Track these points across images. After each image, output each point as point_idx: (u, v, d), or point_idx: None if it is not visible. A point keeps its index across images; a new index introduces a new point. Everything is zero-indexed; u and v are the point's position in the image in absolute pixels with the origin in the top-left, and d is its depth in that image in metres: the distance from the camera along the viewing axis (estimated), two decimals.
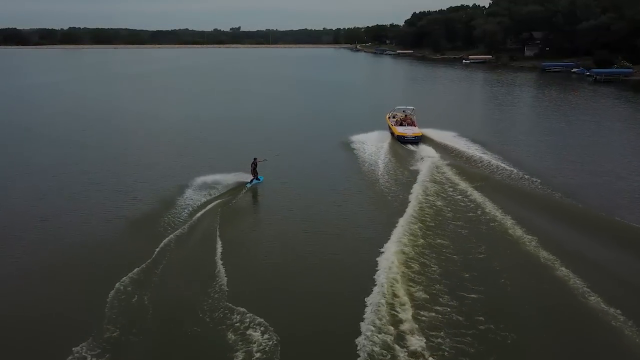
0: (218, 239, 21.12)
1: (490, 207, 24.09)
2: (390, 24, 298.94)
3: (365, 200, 26.32)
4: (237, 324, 15.20)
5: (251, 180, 28.35)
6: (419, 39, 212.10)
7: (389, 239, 20.46)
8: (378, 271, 17.87)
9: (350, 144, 37.91)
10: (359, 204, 25.72)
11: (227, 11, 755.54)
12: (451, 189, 27.05)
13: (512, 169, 30.52)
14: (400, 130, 39.22)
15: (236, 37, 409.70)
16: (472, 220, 22.83)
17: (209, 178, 28.00)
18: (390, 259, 18.55)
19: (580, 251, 19.62)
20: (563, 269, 18.10)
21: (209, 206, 24.75)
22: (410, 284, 17.16)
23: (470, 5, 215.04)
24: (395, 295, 16.33)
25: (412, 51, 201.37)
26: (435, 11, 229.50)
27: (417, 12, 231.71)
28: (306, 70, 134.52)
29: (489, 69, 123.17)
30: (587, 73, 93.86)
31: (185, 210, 24.00)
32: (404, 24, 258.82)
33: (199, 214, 23.62)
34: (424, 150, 35.68)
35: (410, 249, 19.58)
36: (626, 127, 47.13)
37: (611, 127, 46.86)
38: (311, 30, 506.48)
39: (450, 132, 39.83)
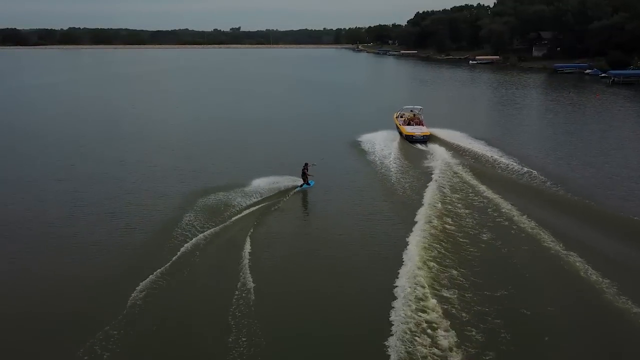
0: (248, 239, 20.89)
1: (504, 204, 24.10)
2: (392, 24, 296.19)
3: (382, 200, 26.16)
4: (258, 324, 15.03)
5: (302, 185, 28.00)
6: (423, 39, 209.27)
7: (409, 240, 20.25)
8: (401, 271, 17.76)
9: (360, 143, 38.11)
10: (378, 204, 25.49)
11: (227, 11, 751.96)
12: (465, 188, 27.01)
13: (531, 170, 30.02)
14: (408, 129, 39.34)
15: (236, 37, 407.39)
16: (487, 217, 22.90)
17: (256, 181, 27.63)
18: (414, 259, 18.48)
19: (594, 247, 19.78)
20: (577, 260, 18.47)
21: (250, 209, 24.27)
22: (437, 283, 17.07)
23: (475, 5, 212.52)
24: (421, 299, 16.02)
25: (415, 51, 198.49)
26: (439, 11, 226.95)
27: (421, 12, 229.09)
28: (308, 70, 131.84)
29: (497, 70, 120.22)
30: (602, 74, 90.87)
31: (225, 214, 23.57)
32: (406, 24, 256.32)
33: (235, 217, 23.14)
34: (434, 149, 35.69)
35: (433, 249, 19.54)
36: None
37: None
38: (311, 30, 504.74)
39: (459, 132, 39.75)
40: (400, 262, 18.28)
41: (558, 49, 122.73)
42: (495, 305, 15.74)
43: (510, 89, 79.25)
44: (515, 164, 31.30)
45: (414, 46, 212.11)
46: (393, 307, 15.41)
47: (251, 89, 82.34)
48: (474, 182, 27.69)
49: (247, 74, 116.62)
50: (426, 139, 37.80)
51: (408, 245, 19.68)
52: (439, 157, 33.03)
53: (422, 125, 40.38)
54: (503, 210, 23.41)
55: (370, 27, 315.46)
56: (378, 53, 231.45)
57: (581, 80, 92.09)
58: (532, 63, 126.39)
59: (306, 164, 28.08)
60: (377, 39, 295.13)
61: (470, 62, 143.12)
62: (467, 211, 23.49)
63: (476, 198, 25.30)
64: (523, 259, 18.98)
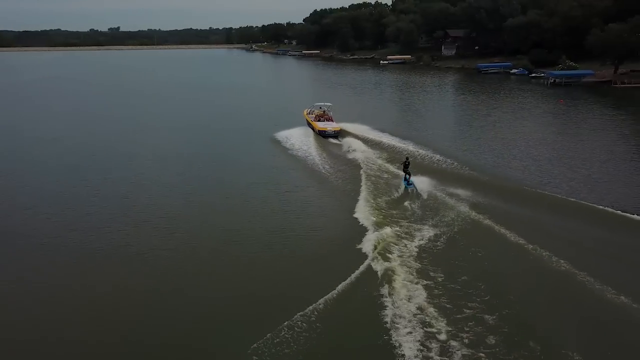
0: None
1: (418, 182, 26.91)
2: (287, 23, 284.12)
3: (321, 192, 27.45)
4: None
5: (409, 181, 27.46)
6: (324, 38, 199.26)
7: (360, 221, 22.35)
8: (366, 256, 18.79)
9: (280, 141, 39.24)
10: (318, 196, 26.79)
11: (105, 10, 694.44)
12: (384, 173, 30.04)
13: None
14: (320, 125, 41.43)
15: (116, 37, 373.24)
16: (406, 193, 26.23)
17: None
18: (372, 239, 20.16)
19: (491, 209, 23.41)
20: (496, 226, 21.55)
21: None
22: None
23: (373, 3, 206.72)
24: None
25: (318, 51, 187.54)
26: (337, 9, 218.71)
27: (318, 9, 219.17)
28: (203, 73, 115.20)
29: (412, 71, 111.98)
30: (533, 75, 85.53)
31: None
32: (303, 22, 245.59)
33: None
34: (348, 142, 37.48)
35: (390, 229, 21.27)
36: None
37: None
38: (198, 29, 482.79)
39: (366, 126, 41.91)
40: (359, 245, 19.75)
41: (476, 47, 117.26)
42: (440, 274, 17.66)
43: (440, 92, 69.67)
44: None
45: (314, 45, 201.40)
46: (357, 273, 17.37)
47: (147, 103, 65.38)
48: (392, 168, 30.70)
49: (137, 81, 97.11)
50: (337, 134, 40.03)
51: (360, 222, 22.08)
52: (354, 148, 35.41)
53: (332, 121, 42.82)
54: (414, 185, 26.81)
55: (264, 25, 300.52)
56: (277, 53, 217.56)
57: (510, 80, 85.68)
58: (448, 62, 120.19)
59: (407, 158, 28.82)
60: (273, 38, 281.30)
61: (381, 62, 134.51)
62: (395, 192, 26.26)
63: (387, 177, 29.04)
64: (450, 224, 21.92)
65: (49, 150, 37.62)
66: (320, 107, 45.37)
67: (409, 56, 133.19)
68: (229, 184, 28.98)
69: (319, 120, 42.61)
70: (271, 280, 17.68)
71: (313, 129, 41.68)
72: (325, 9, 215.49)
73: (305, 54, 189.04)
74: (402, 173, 27.92)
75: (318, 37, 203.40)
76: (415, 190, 26.36)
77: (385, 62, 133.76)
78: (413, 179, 27.00)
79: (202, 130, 45.33)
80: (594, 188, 27.21)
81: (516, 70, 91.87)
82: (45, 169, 32.66)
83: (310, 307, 15.35)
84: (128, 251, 20.18)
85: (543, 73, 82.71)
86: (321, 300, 15.67)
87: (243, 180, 29.34)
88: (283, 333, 14.31)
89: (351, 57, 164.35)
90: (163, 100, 67.82)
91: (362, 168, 30.38)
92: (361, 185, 26.96)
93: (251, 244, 20.62)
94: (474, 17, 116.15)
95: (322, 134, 40.18)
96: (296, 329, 14.52)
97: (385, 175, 29.37)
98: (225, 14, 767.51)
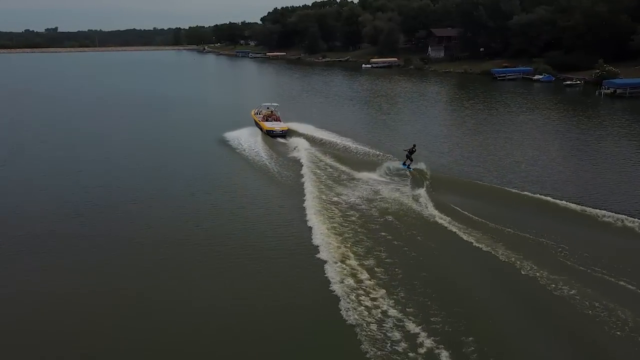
0: None
1: (361, 176, 29.15)
2: (242, 22, 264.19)
3: (268, 189, 28.51)
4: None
5: (408, 165, 30.31)
6: (287, 38, 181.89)
7: (308, 217, 23.11)
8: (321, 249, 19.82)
9: (227, 141, 39.48)
10: (266, 194, 27.73)
11: (41, 10, 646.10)
12: (327, 167, 31.41)
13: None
14: (268, 125, 41.62)
15: (54, 39, 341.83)
16: (352, 187, 27.60)
17: None
18: (321, 233, 21.34)
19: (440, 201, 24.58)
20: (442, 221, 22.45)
21: None
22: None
23: (338, 1, 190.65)
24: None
25: (284, 53, 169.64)
26: (300, 7, 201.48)
27: (279, 8, 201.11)
28: (155, 81, 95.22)
29: (405, 76, 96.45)
30: (566, 81, 72.01)
31: None
32: (261, 22, 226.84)
33: None
34: (295, 141, 38.09)
35: (331, 221, 22.73)
36: None
37: None
38: (141, 30, 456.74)
39: (312, 126, 42.62)
40: (309, 239, 20.83)
41: (482, 49, 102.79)
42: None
43: (483, 113, 54.22)
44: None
45: (277, 47, 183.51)
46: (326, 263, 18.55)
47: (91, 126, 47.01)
48: (336, 164, 31.90)
49: (79, 92, 76.36)
50: (285, 133, 40.33)
51: (307, 219, 22.78)
52: (301, 147, 35.83)
53: (279, 121, 42.96)
54: (357, 176, 29.22)
55: (217, 25, 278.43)
56: (236, 55, 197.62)
57: (539, 89, 71.64)
58: (443, 66, 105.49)
59: (414, 146, 31.13)
60: (227, 39, 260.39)
61: (364, 66, 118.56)
62: (340, 187, 27.48)
63: (343, 176, 29.64)
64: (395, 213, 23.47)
65: None
66: (268, 107, 45.70)
67: (396, 59, 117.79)
68: (177, 191, 28.18)
69: (266, 120, 42.71)
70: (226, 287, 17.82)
71: (261, 128, 42.17)
72: (287, 7, 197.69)
73: (269, 56, 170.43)
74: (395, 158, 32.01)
75: (281, 38, 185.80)
76: (409, 171, 29.79)
77: (367, 65, 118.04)
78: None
79: (151, 143, 41.35)
80: None
81: (540, 77, 77.85)
82: None
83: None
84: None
85: (579, 80, 69.10)
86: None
87: (192, 185, 29.12)
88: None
89: (323, 59, 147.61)
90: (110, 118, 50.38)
91: (306, 165, 31.32)
92: (304, 185, 27.73)
93: (201, 248, 20.65)
94: (472, 15, 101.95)
95: (270, 134, 40.65)
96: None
97: (331, 170, 30.60)
98: (170, 15, 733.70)
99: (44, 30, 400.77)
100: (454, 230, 21.22)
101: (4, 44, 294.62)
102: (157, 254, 20.18)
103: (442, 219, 22.27)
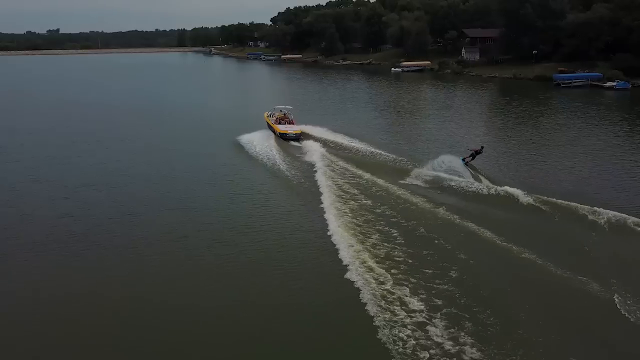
0: None
1: (380, 181, 27.66)
2: (250, 23, 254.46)
3: (284, 193, 27.66)
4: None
5: (467, 162, 29.84)
6: (301, 40, 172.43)
7: (328, 221, 22.24)
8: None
9: (241, 144, 38.52)
10: (282, 197, 26.98)
11: (41, 11, 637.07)
12: (344, 171, 29.98)
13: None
14: (281, 128, 40.73)
15: (55, 40, 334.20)
16: (367, 190, 26.57)
17: None
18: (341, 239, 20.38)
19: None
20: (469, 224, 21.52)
21: None
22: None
23: (354, 0, 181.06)
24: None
25: (300, 55, 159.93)
26: (313, 7, 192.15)
27: (292, 8, 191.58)
28: (170, 87, 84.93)
29: (445, 82, 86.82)
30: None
31: None
32: (271, 22, 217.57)
33: None
34: (309, 145, 37.02)
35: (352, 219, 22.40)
36: None
37: None
38: (144, 31, 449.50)
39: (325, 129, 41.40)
40: (331, 244, 20.05)
41: (534, 52, 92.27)
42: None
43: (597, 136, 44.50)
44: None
45: (289, 48, 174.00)
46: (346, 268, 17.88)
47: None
48: (352, 168, 30.56)
49: (95, 99, 66.75)
50: (298, 137, 39.32)
51: (328, 225, 21.82)
52: (315, 151, 34.74)
53: (293, 124, 41.89)
54: (378, 183, 27.57)
55: (224, 26, 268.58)
56: (247, 58, 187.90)
57: (616, 99, 61.69)
58: (484, 70, 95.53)
59: (482, 147, 30.62)
60: (235, 40, 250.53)
61: (393, 70, 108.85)
62: (356, 191, 26.30)
63: (350, 177, 28.92)
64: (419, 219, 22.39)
65: None
66: (281, 110, 44.71)
67: (428, 62, 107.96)
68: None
69: (279, 123, 42.04)
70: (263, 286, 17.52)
71: (274, 131, 41.38)
72: (300, 7, 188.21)
73: (285, 58, 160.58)
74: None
75: (294, 39, 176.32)
76: (468, 169, 29.02)
77: (397, 69, 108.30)
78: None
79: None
80: None
81: (614, 83, 67.84)
82: None
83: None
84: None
85: None
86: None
87: (210, 187, 28.97)
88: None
89: (344, 62, 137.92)
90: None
91: (322, 170, 30.13)
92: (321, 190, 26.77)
93: (232, 251, 20.31)
94: (517, 14, 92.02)
95: (283, 137, 39.76)
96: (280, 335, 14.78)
97: (342, 175, 29.40)
98: (172, 16, 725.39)
99: (45, 32, 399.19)
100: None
101: (5, 46, 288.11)
102: (174, 255, 20.01)
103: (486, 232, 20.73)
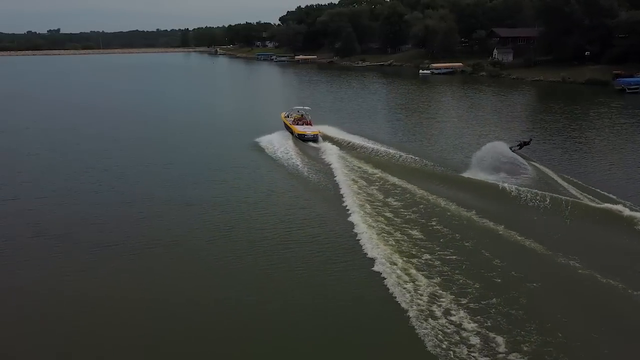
0: None
1: (396, 180, 27.45)
2: (257, 22, 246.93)
3: (308, 194, 27.16)
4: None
5: (514, 149, 30.14)
6: (313, 40, 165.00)
7: (354, 222, 21.92)
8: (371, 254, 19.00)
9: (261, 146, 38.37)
10: (305, 197, 26.62)
11: (42, 11, 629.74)
12: (364, 173, 29.40)
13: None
14: (300, 129, 40.36)
15: (56, 40, 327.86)
16: (385, 190, 26.14)
17: None
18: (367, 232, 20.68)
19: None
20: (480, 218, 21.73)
21: None
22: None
23: None
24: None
25: (314, 56, 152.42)
26: (325, 5, 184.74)
27: (303, 6, 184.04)
28: (179, 88, 77.34)
29: (484, 85, 79.14)
30: None
31: None
32: (280, 22, 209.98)
33: None
34: (327, 146, 36.62)
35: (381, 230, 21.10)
36: None
37: None
38: (145, 31, 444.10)
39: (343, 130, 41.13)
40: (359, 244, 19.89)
41: (587, 53, 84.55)
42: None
43: None
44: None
45: (301, 49, 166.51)
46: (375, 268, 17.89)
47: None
48: (373, 169, 29.94)
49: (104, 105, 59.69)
50: (316, 138, 38.98)
51: (355, 225, 21.56)
52: (334, 152, 34.39)
53: (311, 125, 41.50)
54: (395, 182, 27.21)
55: (230, 25, 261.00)
56: (257, 58, 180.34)
57: None
58: (523, 73, 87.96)
59: (531, 139, 31.95)
60: (242, 40, 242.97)
61: (422, 72, 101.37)
62: (381, 194, 25.57)
63: (369, 178, 28.49)
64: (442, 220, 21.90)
65: None
66: (299, 111, 44.13)
67: (460, 64, 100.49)
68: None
69: (297, 124, 41.49)
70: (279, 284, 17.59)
71: (292, 132, 40.83)
72: (312, 6, 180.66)
73: (299, 59, 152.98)
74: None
75: (306, 39, 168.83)
76: (520, 155, 29.26)
77: (426, 72, 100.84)
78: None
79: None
80: None
81: None
82: None
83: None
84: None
85: None
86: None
87: (231, 189, 28.65)
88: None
89: (363, 63, 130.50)
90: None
91: (342, 171, 29.89)
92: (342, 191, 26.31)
93: (258, 252, 20.12)
94: (561, 11, 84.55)
95: (301, 138, 39.35)
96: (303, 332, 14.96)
97: (363, 176, 28.90)
98: (172, 16, 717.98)
99: (46, 32, 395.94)
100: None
101: (6, 47, 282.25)
102: (199, 256, 19.89)
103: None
